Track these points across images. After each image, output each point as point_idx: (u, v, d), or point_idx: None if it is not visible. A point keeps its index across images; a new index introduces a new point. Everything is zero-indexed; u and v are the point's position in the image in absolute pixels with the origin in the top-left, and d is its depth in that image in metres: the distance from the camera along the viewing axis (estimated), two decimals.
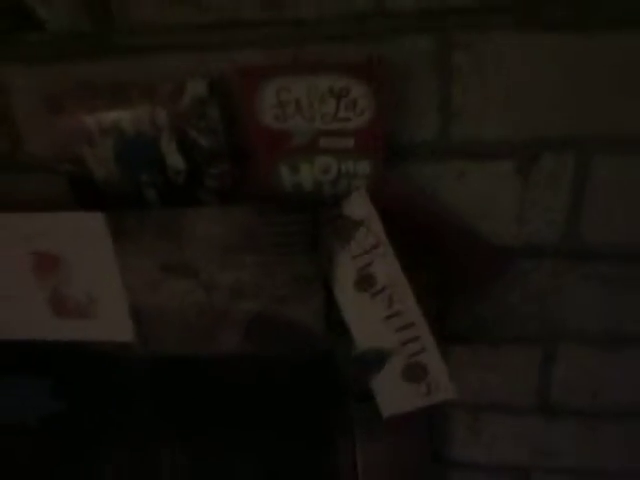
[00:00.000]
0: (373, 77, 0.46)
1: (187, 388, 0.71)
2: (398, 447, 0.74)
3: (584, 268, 0.58)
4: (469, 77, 0.49)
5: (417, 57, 0.48)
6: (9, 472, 0.88)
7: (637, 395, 0.67)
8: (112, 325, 0.58)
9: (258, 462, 0.80)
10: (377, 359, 0.51)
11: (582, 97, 0.49)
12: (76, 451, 0.85)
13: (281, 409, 0.71)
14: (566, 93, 0.49)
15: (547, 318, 0.62)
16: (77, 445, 0.84)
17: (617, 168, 0.52)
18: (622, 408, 0.68)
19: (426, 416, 0.70)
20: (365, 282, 0.51)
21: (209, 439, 0.76)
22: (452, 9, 0.46)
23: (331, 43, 0.49)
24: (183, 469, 0.81)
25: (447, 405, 0.71)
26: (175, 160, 0.54)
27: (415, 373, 0.49)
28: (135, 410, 0.77)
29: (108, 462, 0.85)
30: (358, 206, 0.51)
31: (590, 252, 0.57)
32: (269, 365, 0.64)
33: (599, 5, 0.45)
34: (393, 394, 0.50)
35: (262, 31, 0.50)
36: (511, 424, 0.72)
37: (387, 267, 0.50)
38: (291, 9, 0.48)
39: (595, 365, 0.65)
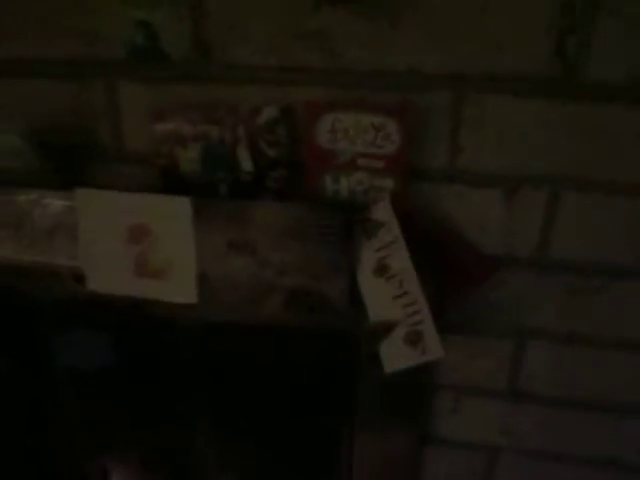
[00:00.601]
0: (403, 118, 0.64)
1: (229, 354, 0.88)
2: (391, 437, 0.90)
3: (551, 278, 0.74)
4: (474, 125, 0.66)
5: (437, 106, 0.66)
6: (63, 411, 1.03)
7: (594, 387, 0.82)
8: (181, 288, 0.74)
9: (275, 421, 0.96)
10: (385, 328, 0.67)
11: (557, 147, 0.66)
12: (124, 400, 1.01)
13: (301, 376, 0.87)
14: (545, 143, 0.66)
15: (519, 317, 0.78)
16: (126, 395, 1.00)
17: (581, 201, 0.69)
18: (580, 398, 0.83)
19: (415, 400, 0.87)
20: (382, 269, 0.68)
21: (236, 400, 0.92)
22: (467, 75, 0.64)
23: (375, 90, 0.66)
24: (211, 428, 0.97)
25: (436, 385, 0.87)
26: (246, 164, 0.71)
27: (414, 338, 0.65)
28: (179, 369, 0.93)
29: (149, 413, 1.00)
30: (382, 212, 0.68)
31: (557, 265, 0.74)
32: (301, 338, 0.80)
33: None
34: (396, 355, 0.66)
35: (324, 75, 0.67)
36: (486, 406, 0.87)
37: (400, 259, 0.67)
38: (348, 62, 0.66)
39: (557, 359, 0.81)
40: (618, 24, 0.59)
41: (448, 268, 0.72)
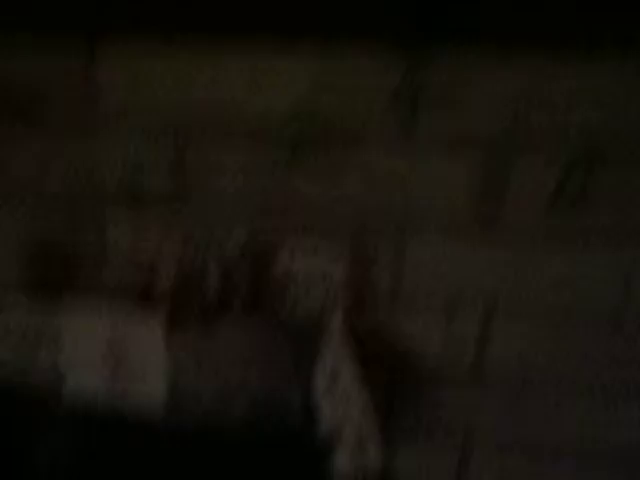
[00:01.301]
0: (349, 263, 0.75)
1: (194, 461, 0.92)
2: None
3: (488, 387, 0.83)
4: (415, 261, 0.78)
5: (383, 249, 0.78)
6: None
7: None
8: (152, 398, 0.81)
9: None
10: (337, 436, 0.74)
11: (483, 277, 0.78)
12: None
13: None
14: (475, 274, 0.78)
15: (463, 424, 0.86)
16: None
17: (510, 320, 0.80)
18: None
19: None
20: (334, 381, 0.76)
21: None
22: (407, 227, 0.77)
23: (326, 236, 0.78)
24: None
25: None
26: (215, 285, 0.81)
27: (361, 446, 0.72)
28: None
29: None
30: (335, 331, 0.77)
31: (492, 375, 0.82)
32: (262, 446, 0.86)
33: None
34: (345, 460, 0.73)
35: (285, 215, 0.79)
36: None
37: (349, 373, 0.75)
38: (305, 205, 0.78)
39: (500, 465, 0.88)
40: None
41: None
